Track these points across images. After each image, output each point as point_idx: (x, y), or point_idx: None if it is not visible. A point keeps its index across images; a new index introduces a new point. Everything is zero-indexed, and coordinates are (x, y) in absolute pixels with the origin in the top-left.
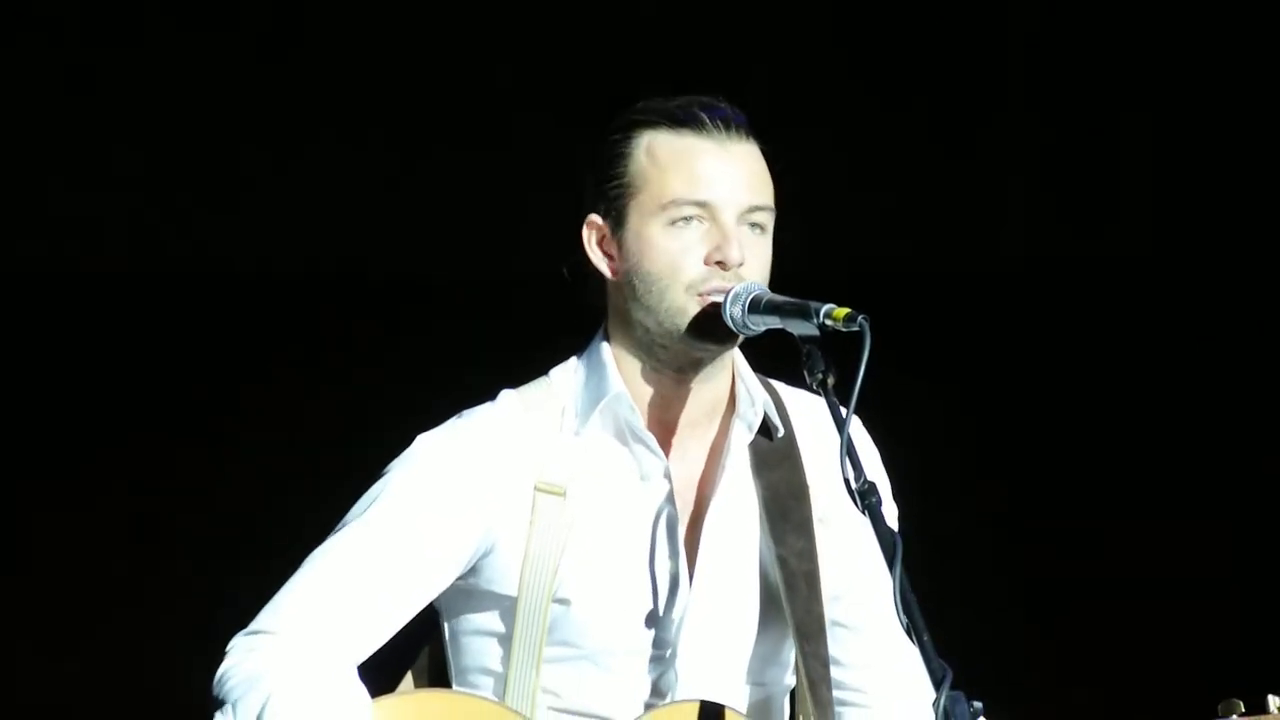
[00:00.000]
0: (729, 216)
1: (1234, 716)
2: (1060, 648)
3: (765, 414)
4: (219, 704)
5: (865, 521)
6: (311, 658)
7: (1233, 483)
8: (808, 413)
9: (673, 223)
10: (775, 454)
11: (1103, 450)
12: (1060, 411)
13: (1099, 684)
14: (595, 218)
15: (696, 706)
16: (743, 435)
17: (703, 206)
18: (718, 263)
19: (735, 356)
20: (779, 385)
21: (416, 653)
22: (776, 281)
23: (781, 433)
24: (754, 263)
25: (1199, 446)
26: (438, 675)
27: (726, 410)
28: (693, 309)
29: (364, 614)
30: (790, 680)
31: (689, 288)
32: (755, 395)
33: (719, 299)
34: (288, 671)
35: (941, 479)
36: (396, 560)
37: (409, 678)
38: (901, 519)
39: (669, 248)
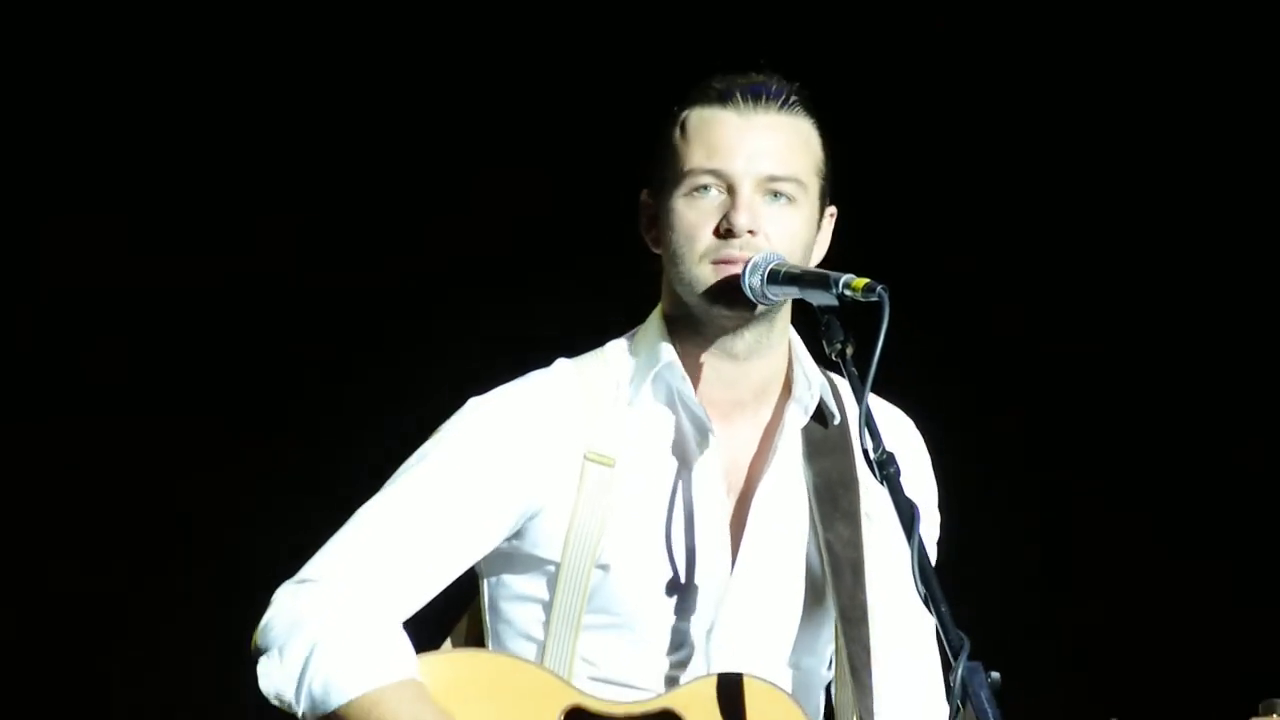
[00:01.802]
0: (745, 186)
1: (1275, 716)
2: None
3: (821, 399)
4: (264, 650)
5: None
6: (358, 607)
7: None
8: None
9: (691, 192)
10: (828, 442)
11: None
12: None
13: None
14: (644, 195)
15: (743, 679)
16: (797, 417)
17: (718, 176)
18: (727, 230)
19: (792, 340)
20: (838, 377)
21: (457, 617)
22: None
23: (837, 420)
24: (772, 231)
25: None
26: (475, 641)
27: (781, 393)
28: (710, 278)
29: (409, 569)
30: (826, 672)
31: (703, 257)
32: (812, 378)
33: (736, 270)
34: (334, 619)
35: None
36: (443, 518)
37: (448, 642)
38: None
39: (686, 217)
